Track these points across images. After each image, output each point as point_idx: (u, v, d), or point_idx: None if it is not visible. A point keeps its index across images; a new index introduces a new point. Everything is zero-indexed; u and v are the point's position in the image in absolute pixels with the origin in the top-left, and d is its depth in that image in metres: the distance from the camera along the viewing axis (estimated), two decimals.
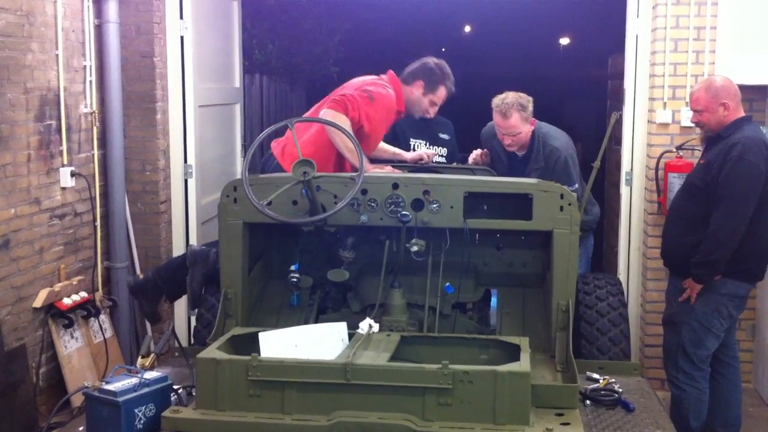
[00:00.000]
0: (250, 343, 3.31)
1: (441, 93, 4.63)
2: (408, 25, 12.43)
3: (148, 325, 5.68)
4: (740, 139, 4.16)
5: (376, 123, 4.40)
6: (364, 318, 3.50)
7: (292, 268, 3.93)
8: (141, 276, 5.18)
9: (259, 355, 3.10)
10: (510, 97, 4.82)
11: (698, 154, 5.28)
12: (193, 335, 4.53)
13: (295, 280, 3.91)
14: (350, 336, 3.43)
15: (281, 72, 9.99)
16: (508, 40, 13.32)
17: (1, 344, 4.42)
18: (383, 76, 4.59)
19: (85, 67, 5.26)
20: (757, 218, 4.19)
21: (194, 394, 3.17)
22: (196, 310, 4.40)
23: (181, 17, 5.69)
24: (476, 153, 5.11)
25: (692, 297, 4.31)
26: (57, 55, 4.96)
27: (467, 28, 14.79)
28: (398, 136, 5.38)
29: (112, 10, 5.35)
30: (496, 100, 4.86)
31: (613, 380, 3.54)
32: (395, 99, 4.49)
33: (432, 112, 4.71)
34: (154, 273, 4.63)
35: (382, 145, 4.93)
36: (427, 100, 4.62)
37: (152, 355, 3.42)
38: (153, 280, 4.56)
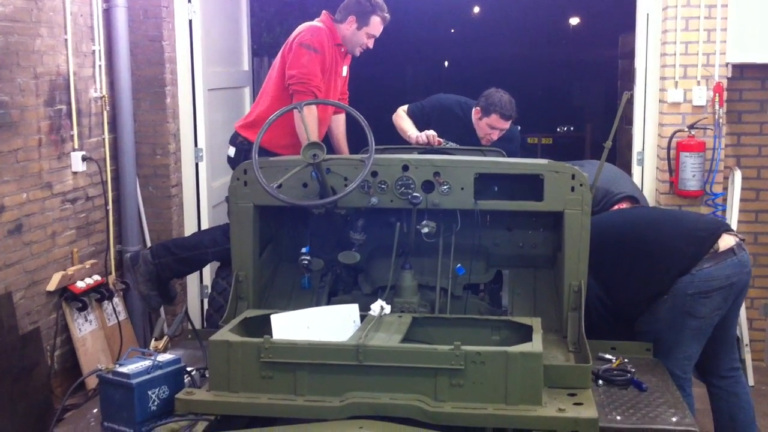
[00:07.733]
0: (263, 326, 3.32)
1: (375, 23, 4.56)
2: (416, 5, 12.34)
3: (161, 307, 5.70)
4: None
5: (332, 67, 4.49)
6: (376, 300, 3.50)
7: (303, 250, 3.93)
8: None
9: (272, 337, 3.11)
10: None
11: (710, 133, 5.26)
12: (206, 319, 4.55)
13: (306, 262, 3.91)
14: (362, 318, 3.43)
15: None
16: (517, 21, 13.21)
17: (16, 328, 4.45)
18: (317, 20, 4.60)
19: (94, 51, 5.27)
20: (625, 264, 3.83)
21: (207, 376, 3.18)
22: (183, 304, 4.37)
23: (189, 1, 5.68)
24: None
25: None
26: (66, 40, 4.96)
27: (476, 9, 14.69)
28: None
29: None
30: None
31: (626, 360, 3.53)
32: (328, 32, 4.50)
33: (371, 45, 4.62)
34: (156, 248, 4.51)
35: (400, 121, 4.93)
36: (363, 34, 4.58)
37: (165, 338, 3.43)
38: (150, 255, 4.45)
